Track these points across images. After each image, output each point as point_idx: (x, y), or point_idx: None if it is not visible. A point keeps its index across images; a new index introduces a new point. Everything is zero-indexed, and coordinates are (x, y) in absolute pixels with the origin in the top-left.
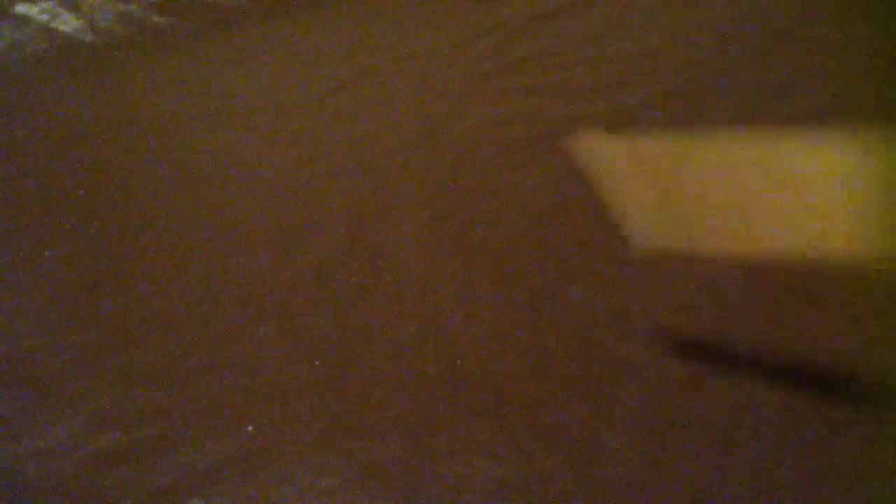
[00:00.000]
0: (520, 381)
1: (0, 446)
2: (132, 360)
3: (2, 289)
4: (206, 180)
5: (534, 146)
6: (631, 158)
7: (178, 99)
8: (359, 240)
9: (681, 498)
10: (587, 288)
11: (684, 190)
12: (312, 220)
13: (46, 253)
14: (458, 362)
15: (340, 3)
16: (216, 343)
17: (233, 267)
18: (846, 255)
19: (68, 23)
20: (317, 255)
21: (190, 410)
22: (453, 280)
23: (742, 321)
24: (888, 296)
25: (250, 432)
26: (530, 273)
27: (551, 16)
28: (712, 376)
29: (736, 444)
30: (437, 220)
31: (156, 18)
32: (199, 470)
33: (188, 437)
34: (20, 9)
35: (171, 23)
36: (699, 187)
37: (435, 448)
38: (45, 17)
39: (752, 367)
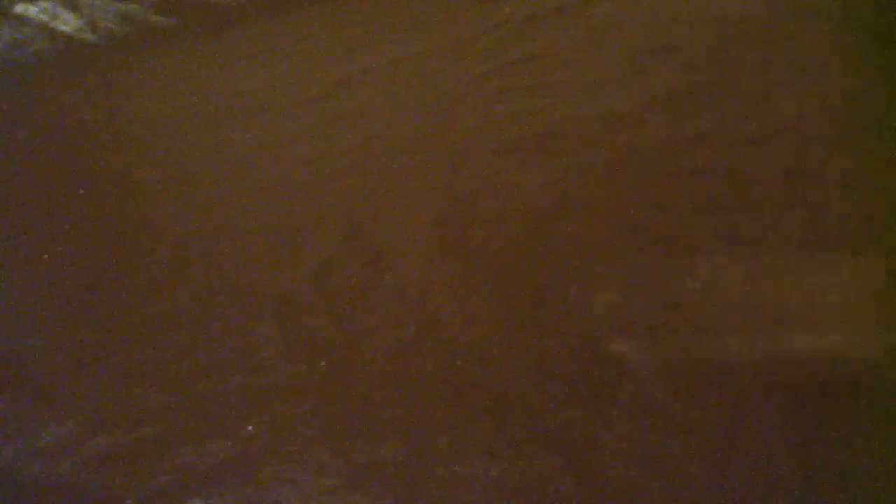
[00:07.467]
0: (520, 381)
1: (0, 446)
2: (132, 360)
3: (2, 289)
4: (206, 180)
5: (534, 146)
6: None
7: (178, 99)
8: (359, 240)
9: (681, 498)
10: (587, 288)
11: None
12: (312, 220)
13: (45, 255)
14: (458, 362)
15: (340, 4)
16: (216, 343)
17: (232, 267)
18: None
19: (68, 23)
20: (317, 255)
21: (190, 410)
22: (453, 280)
23: (743, 320)
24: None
25: (250, 432)
26: (530, 273)
27: (551, 16)
28: (712, 376)
29: (736, 443)
30: (437, 220)
31: (156, 18)
32: (199, 470)
33: (188, 437)
34: (20, 9)
35: (171, 23)
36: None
37: (435, 448)
38: (45, 17)
39: (753, 367)
